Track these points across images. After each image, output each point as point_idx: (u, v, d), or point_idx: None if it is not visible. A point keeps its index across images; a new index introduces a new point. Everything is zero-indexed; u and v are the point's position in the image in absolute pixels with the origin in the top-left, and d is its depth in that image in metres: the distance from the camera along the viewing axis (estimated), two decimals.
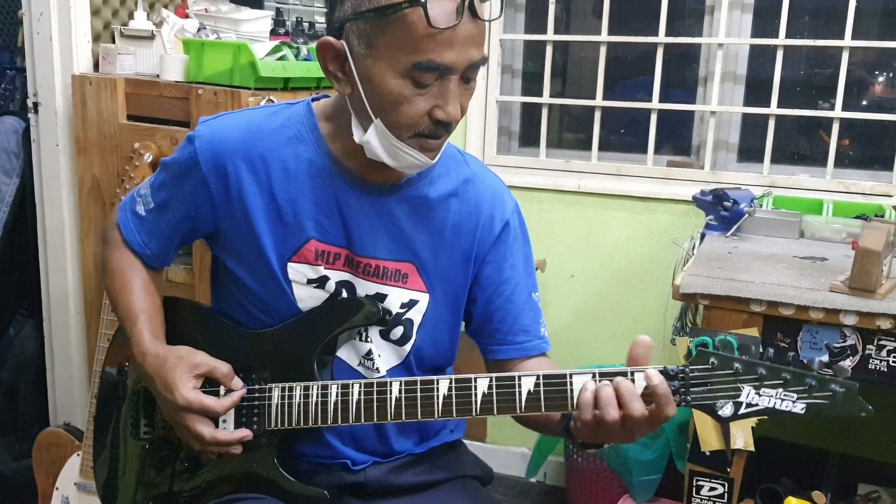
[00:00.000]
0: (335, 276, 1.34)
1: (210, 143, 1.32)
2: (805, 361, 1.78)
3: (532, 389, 1.20)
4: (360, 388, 1.26)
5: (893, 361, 1.79)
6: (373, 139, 1.21)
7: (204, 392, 1.29)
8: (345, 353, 1.37)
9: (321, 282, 1.33)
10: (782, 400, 1.11)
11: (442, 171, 1.37)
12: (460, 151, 1.43)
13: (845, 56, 2.62)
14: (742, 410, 1.13)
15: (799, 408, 1.11)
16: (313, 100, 1.37)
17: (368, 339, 1.37)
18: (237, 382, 1.31)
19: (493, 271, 1.41)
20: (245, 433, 1.30)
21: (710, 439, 1.89)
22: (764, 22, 2.76)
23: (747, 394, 1.12)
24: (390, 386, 1.25)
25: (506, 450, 3.03)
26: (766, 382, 1.12)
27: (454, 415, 1.23)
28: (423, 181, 1.35)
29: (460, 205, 1.38)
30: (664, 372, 1.16)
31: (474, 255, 1.39)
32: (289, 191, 1.31)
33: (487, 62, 1.24)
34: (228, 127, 1.34)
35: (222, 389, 1.31)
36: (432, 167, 1.30)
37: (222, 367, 1.30)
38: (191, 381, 1.28)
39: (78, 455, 2.23)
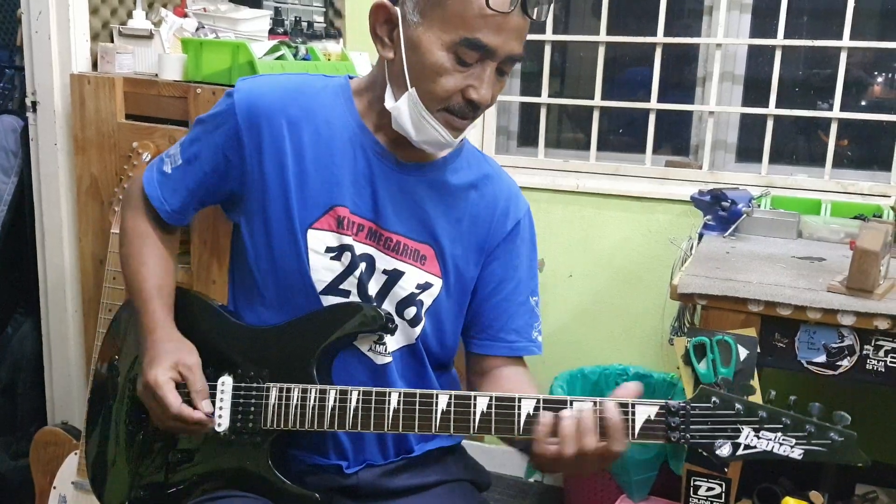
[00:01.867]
0: (359, 248, 1.34)
1: (248, 98, 1.34)
2: (804, 363, 1.80)
3: (531, 412, 1.20)
4: (358, 395, 1.26)
5: (891, 362, 1.79)
6: (403, 107, 1.25)
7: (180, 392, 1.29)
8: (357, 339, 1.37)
9: (340, 251, 1.33)
10: (780, 444, 1.12)
11: (464, 163, 1.40)
12: (480, 152, 1.47)
13: (843, 56, 2.62)
14: (740, 452, 1.14)
15: (797, 453, 1.12)
16: (349, 77, 1.40)
17: (378, 332, 1.36)
18: (206, 405, 1.30)
19: (498, 268, 1.43)
20: (202, 415, 1.29)
21: None
22: (762, 22, 2.77)
23: (746, 435, 1.13)
24: (389, 396, 1.25)
25: (504, 450, 3.01)
26: (766, 426, 1.13)
27: (451, 431, 1.24)
28: (449, 167, 1.38)
29: (479, 197, 1.41)
30: (665, 406, 1.16)
31: (486, 247, 1.41)
32: (320, 156, 1.33)
33: (523, 59, 1.28)
34: (268, 85, 1.36)
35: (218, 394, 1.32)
36: (456, 156, 1.35)
37: (198, 384, 1.31)
38: (171, 371, 1.30)
39: (76, 454, 2.24)
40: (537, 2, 1.22)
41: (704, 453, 1.15)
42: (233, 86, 2.09)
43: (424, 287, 1.37)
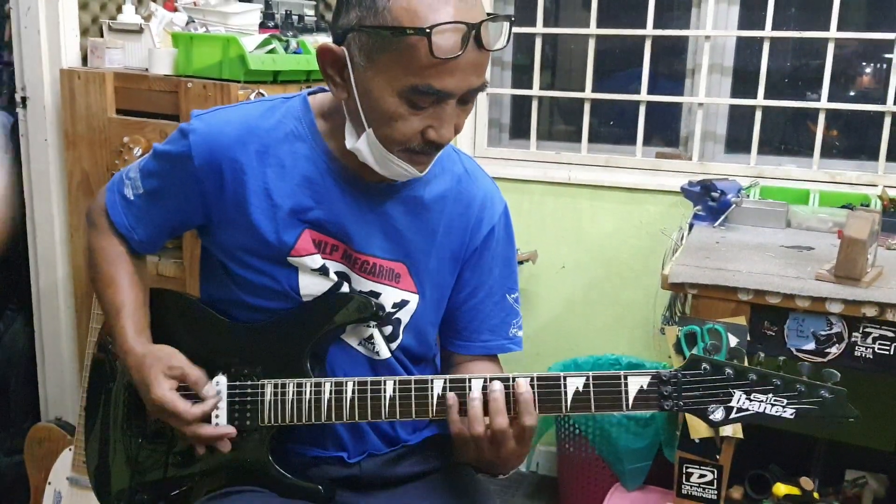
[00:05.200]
0: (333, 266, 1.34)
1: (204, 139, 1.30)
2: (794, 351, 1.81)
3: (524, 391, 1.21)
4: (353, 385, 1.27)
5: (879, 348, 1.81)
6: (364, 147, 1.22)
7: (183, 395, 1.29)
8: (346, 334, 1.37)
9: (323, 270, 1.33)
10: (772, 405, 1.14)
11: (437, 171, 1.37)
12: (455, 150, 1.43)
13: (831, 47, 2.64)
14: (733, 415, 1.15)
15: (789, 413, 1.13)
16: (310, 93, 1.36)
17: (370, 324, 1.36)
18: (209, 389, 1.30)
19: (472, 275, 1.42)
20: (228, 430, 1.30)
21: (699, 427, 1.91)
22: (750, 14, 2.78)
23: (738, 398, 1.15)
24: (384, 385, 1.26)
25: None
26: (756, 387, 1.14)
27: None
28: (419, 182, 1.35)
29: (453, 205, 1.38)
30: (657, 376, 1.17)
31: (461, 256, 1.41)
32: (285, 188, 1.30)
33: (488, 86, 1.25)
34: (224, 122, 1.32)
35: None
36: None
37: (192, 374, 1.30)
38: (167, 382, 1.28)
39: (70, 450, 2.24)
40: (491, 32, 1.16)
41: (698, 418, 1.17)
42: (225, 80, 2.12)
43: (401, 305, 1.37)
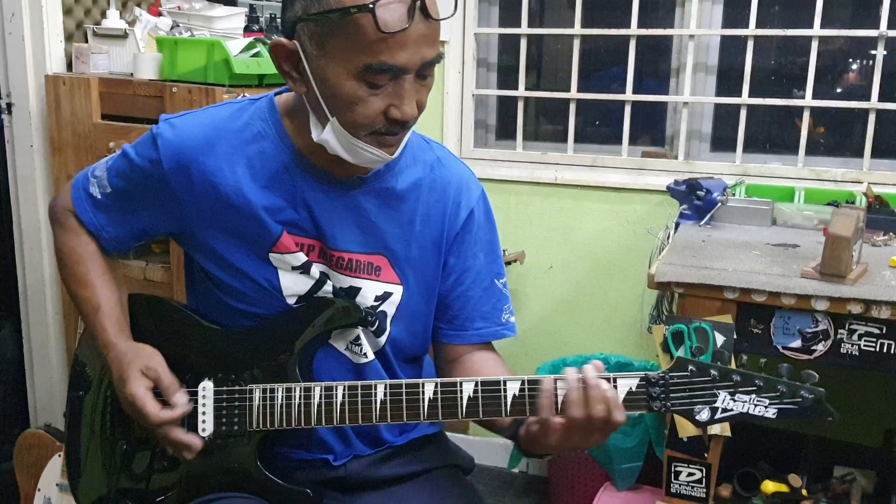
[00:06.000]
0: (315, 266, 1.34)
1: (173, 144, 1.30)
2: (780, 348, 1.83)
3: (517, 393, 1.22)
4: (343, 390, 1.26)
5: (864, 345, 1.82)
6: (330, 137, 1.21)
7: (160, 400, 1.29)
8: (332, 338, 1.37)
9: (305, 268, 1.33)
10: (755, 405, 1.17)
11: (409, 161, 1.37)
12: (425, 139, 1.43)
13: (815, 45, 2.65)
14: (718, 415, 1.18)
15: (771, 413, 1.17)
16: (276, 94, 1.36)
17: (356, 326, 1.36)
18: (179, 398, 1.30)
19: (457, 261, 1.42)
20: (194, 440, 1.30)
21: (687, 426, 1.92)
22: (734, 12, 2.79)
23: (723, 399, 1.18)
24: (375, 389, 1.26)
25: (488, 441, 3.05)
26: (740, 388, 1.17)
27: (440, 417, 1.24)
28: (390, 173, 1.35)
29: (428, 193, 1.38)
30: (645, 378, 1.19)
31: (443, 243, 1.40)
32: (256, 188, 1.30)
33: (443, 58, 1.24)
34: (192, 126, 1.32)
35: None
36: (398, 159, 1.30)
37: (165, 380, 1.30)
38: (143, 381, 1.29)
39: (59, 456, 2.23)
40: (437, 1, 1.15)
41: (685, 419, 1.19)
42: (209, 84, 2.12)
43: (384, 297, 1.37)
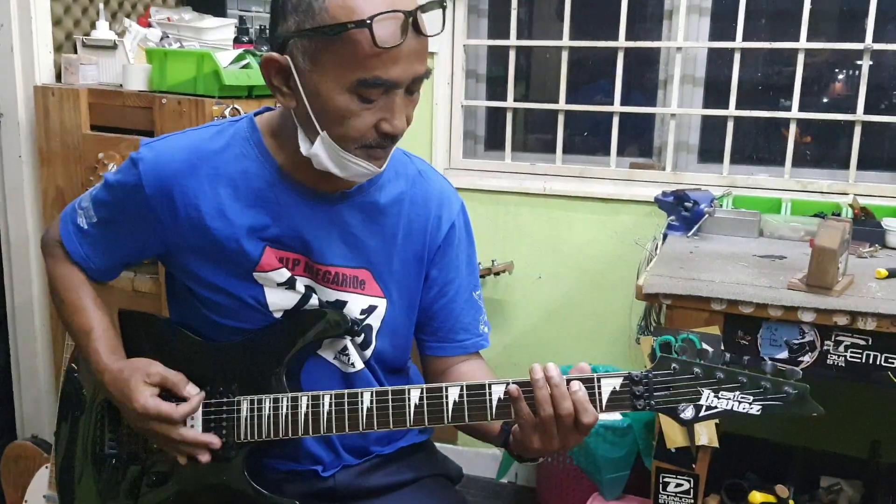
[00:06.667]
0: (299, 279, 1.35)
1: (154, 167, 1.31)
2: (765, 358, 1.84)
3: (502, 396, 1.22)
4: (330, 399, 1.27)
5: (851, 356, 1.83)
6: (320, 151, 1.22)
7: (164, 399, 1.29)
8: (321, 348, 1.38)
9: (290, 283, 1.34)
10: (739, 402, 1.17)
11: (391, 176, 1.39)
12: (405, 153, 1.45)
13: (801, 58, 2.68)
14: (702, 413, 1.18)
15: (755, 409, 1.16)
16: (255, 114, 1.37)
17: (344, 336, 1.37)
18: (191, 389, 1.31)
19: (439, 273, 1.44)
20: (213, 439, 1.30)
21: (675, 436, 1.93)
22: (721, 25, 2.81)
23: (707, 397, 1.17)
24: (361, 396, 1.26)
25: (476, 451, 3.05)
26: (724, 386, 1.17)
27: (426, 423, 1.25)
28: (373, 187, 1.36)
29: (410, 206, 1.40)
30: (629, 377, 1.19)
31: (425, 256, 1.42)
32: (239, 207, 1.31)
33: (432, 73, 1.26)
34: (173, 149, 1.33)
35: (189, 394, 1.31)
36: (381, 173, 1.31)
37: (173, 377, 1.30)
38: (147, 389, 1.29)
39: (46, 468, 2.23)
40: (427, 14, 1.18)
41: (669, 417, 1.19)
42: (199, 95, 2.12)
43: (369, 311, 1.38)
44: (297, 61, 1.18)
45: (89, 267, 1.42)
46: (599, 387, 1.19)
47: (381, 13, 1.11)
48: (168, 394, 1.31)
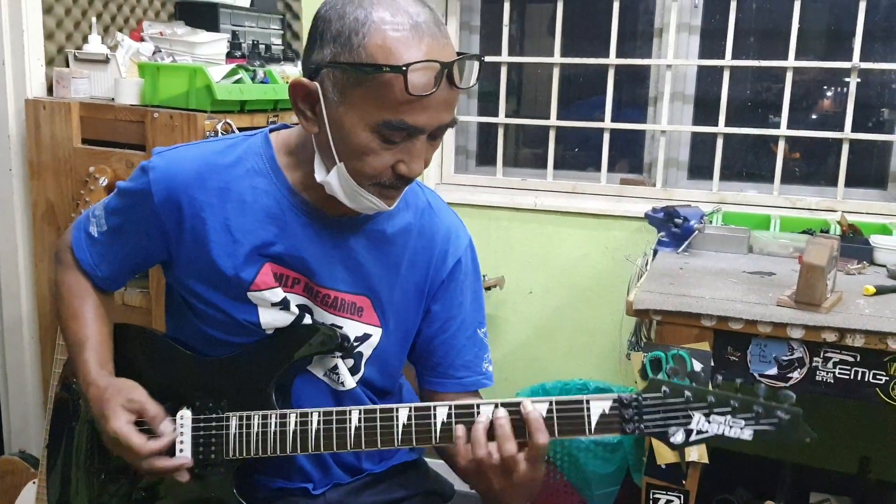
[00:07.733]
0: (294, 299, 1.34)
1: (164, 176, 1.31)
2: (756, 376, 1.84)
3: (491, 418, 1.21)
4: (319, 416, 1.26)
5: (839, 373, 1.84)
6: (334, 181, 1.22)
7: (141, 429, 1.28)
8: (311, 365, 1.38)
9: (284, 304, 1.34)
10: (731, 426, 1.15)
11: (401, 206, 1.38)
12: (419, 184, 1.44)
13: (789, 76, 2.70)
14: (693, 437, 1.16)
15: (747, 434, 1.14)
16: (271, 130, 1.37)
17: (335, 354, 1.37)
18: (165, 426, 1.29)
19: (442, 309, 1.43)
20: (183, 460, 1.29)
21: (665, 452, 1.92)
22: (711, 43, 2.84)
23: (697, 420, 1.16)
24: (349, 415, 1.25)
25: None
26: (715, 410, 1.15)
27: (414, 443, 1.24)
28: (383, 216, 1.36)
29: (417, 238, 1.40)
30: (618, 400, 1.18)
31: (427, 290, 1.41)
32: (246, 223, 1.31)
33: (457, 122, 1.26)
34: (184, 159, 1.33)
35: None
36: None
37: (152, 410, 1.29)
38: (124, 415, 1.28)
39: (34, 483, 2.21)
40: (464, 71, 1.17)
41: (660, 441, 1.17)
42: (191, 110, 2.12)
43: (363, 339, 1.38)
44: (326, 90, 1.18)
45: (96, 275, 1.42)
46: (589, 410, 1.18)
47: (419, 62, 1.11)
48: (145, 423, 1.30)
